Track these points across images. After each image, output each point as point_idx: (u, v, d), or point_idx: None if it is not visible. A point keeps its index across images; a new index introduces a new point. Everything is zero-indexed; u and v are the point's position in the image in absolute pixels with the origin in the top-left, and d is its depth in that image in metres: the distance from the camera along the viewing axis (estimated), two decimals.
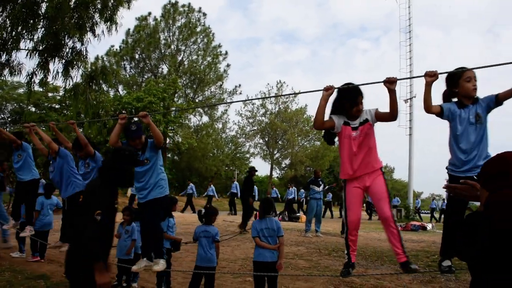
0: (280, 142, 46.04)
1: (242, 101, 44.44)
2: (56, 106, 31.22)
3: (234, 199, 22.30)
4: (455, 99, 4.05)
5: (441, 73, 3.82)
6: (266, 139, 45.95)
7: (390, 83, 3.87)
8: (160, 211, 5.18)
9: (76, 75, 8.98)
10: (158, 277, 5.82)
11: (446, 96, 4.14)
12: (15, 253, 8.41)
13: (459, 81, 3.90)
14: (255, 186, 21.87)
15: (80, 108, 9.43)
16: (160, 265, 4.87)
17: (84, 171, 6.12)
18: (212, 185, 23.08)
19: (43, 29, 8.52)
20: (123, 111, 25.33)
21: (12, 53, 8.69)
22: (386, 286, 6.56)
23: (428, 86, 3.82)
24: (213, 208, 6.00)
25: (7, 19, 8.39)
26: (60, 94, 29.25)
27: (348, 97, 4.10)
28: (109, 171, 3.69)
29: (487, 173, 2.00)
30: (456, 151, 3.92)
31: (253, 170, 14.69)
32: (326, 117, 4.24)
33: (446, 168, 4.12)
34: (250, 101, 44.67)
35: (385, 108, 4.09)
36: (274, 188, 26.44)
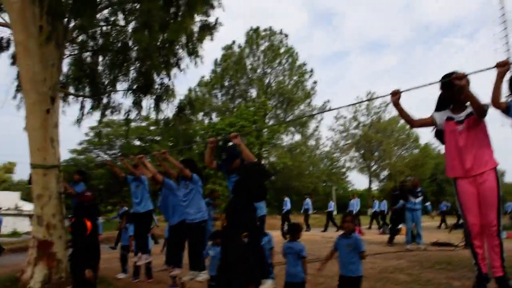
0: (376, 154, 44.92)
1: (323, 112, 44.18)
2: (157, 138, 33.44)
3: (331, 216, 21.95)
4: None
5: None
6: (362, 152, 45.10)
7: (458, 79, 3.63)
8: (260, 231, 5.10)
9: (166, 108, 9.76)
10: None
11: None
12: (119, 274, 9.10)
13: None
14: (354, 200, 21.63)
15: (173, 138, 10.14)
16: (267, 284, 4.75)
17: (184, 192, 6.24)
18: (308, 199, 22.62)
19: (134, 70, 9.44)
20: (218, 137, 26.45)
21: (111, 95, 9.72)
22: None
23: (500, 78, 3.52)
24: (297, 224, 6.14)
25: (106, 66, 9.47)
26: (160, 127, 31.32)
27: (450, 86, 3.81)
28: (250, 189, 3.74)
29: None
30: None
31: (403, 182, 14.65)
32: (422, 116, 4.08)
33: None
34: (338, 113, 44.13)
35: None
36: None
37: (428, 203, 12.76)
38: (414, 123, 4.09)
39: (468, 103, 3.89)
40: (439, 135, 4.16)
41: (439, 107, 4.10)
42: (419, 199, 12.73)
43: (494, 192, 3.75)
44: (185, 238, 6.48)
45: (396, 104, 4.00)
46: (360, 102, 44.32)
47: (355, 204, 21.42)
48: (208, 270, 6.01)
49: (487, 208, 3.75)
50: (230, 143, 5.35)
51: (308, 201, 22.17)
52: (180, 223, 6.54)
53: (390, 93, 3.99)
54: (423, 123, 4.11)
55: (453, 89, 3.80)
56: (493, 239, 3.75)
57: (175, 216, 6.77)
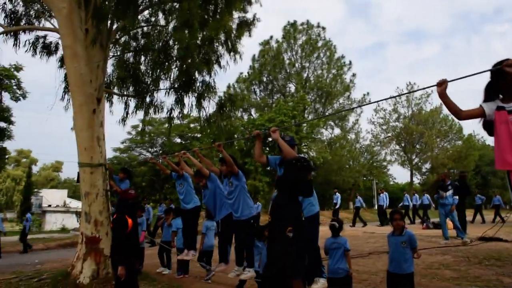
0: (417, 146, 43.88)
1: (365, 104, 43.45)
2: (198, 135, 33.86)
3: (382, 211, 21.67)
4: None
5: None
6: (403, 145, 44.18)
7: (509, 66, 3.47)
8: (315, 228, 5.09)
9: (208, 105, 9.84)
10: None
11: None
12: (161, 269, 9.37)
13: None
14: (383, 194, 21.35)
15: (215, 135, 10.24)
16: (320, 284, 4.79)
17: (229, 190, 6.20)
18: (358, 196, 22.51)
19: (176, 69, 9.57)
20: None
21: (154, 94, 9.91)
22: None
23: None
24: (339, 220, 6.14)
25: (148, 65, 9.66)
26: (200, 124, 31.69)
27: (500, 75, 3.65)
28: (293, 184, 3.73)
29: None
30: None
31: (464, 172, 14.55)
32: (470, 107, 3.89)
33: None
34: (378, 105, 43.33)
35: None
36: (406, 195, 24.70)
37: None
38: (462, 115, 3.92)
39: None
40: (488, 126, 3.94)
41: (488, 97, 3.91)
42: (449, 192, 12.46)
43: None
44: (233, 232, 6.45)
45: (443, 95, 3.85)
46: (405, 94, 43.19)
47: (384, 199, 21.35)
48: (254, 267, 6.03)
49: None
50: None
51: (338, 195, 22.20)
52: (228, 216, 6.47)
53: (436, 84, 3.85)
54: (471, 114, 3.93)
55: (505, 77, 3.63)
56: None
57: (222, 210, 6.71)
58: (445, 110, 42.51)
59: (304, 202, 4.84)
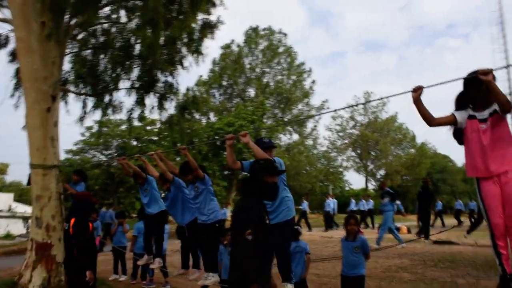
0: (373, 153, 45.05)
1: (328, 112, 44.14)
2: (154, 138, 33.23)
3: (329, 216, 21.96)
4: None
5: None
6: (359, 151, 45.17)
7: (484, 74, 3.53)
8: (290, 234, 5.02)
9: (170, 107, 9.56)
10: None
11: None
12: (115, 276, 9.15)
13: None
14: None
15: (175, 137, 9.98)
16: None
17: (194, 195, 6.08)
18: (305, 200, 22.72)
19: (138, 68, 9.24)
20: (215, 137, 26.36)
21: (113, 93, 9.50)
22: None
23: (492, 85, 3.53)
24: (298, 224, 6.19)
25: (108, 64, 9.26)
26: (157, 126, 31.15)
27: (475, 83, 3.70)
28: (254, 187, 3.59)
29: None
30: None
31: (427, 179, 14.83)
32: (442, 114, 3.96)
33: None
34: (336, 113, 44.13)
35: None
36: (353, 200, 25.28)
37: (398, 202, 13.13)
38: (433, 122, 3.95)
39: (491, 101, 3.78)
40: (458, 134, 4.04)
41: (459, 106, 3.98)
42: (386, 200, 12.83)
43: None
44: (198, 238, 6.28)
45: (417, 101, 3.90)
46: (369, 102, 44.28)
47: (331, 204, 21.74)
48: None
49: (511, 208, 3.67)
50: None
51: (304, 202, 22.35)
52: (193, 222, 6.33)
53: (412, 89, 3.88)
54: (443, 121, 3.99)
55: (478, 86, 3.70)
56: None
57: (186, 215, 6.53)
58: (400, 119, 44.13)
59: (281, 206, 4.77)
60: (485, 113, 3.79)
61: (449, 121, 3.95)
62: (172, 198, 6.62)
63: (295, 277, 5.23)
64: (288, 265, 4.85)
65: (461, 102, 3.98)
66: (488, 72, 3.54)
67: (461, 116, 3.90)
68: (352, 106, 41.86)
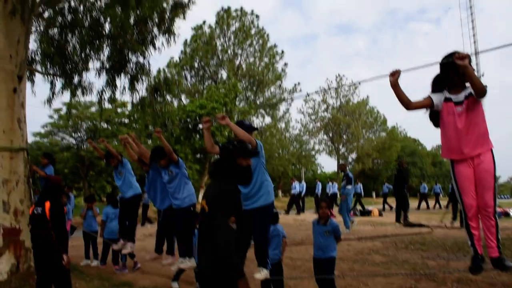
0: (344, 137, 45.49)
1: (304, 96, 44.18)
2: (126, 121, 32.64)
3: (294, 199, 22.28)
4: None
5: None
6: (330, 135, 45.54)
7: (460, 59, 3.53)
8: (269, 218, 4.91)
9: (142, 88, 9.34)
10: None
11: None
12: (84, 261, 8.99)
13: None
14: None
15: (147, 120, 9.79)
16: (263, 273, 4.65)
17: (168, 179, 5.97)
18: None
19: (108, 48, 8.96)
20: (188, 119, 26.09)
21: (83, 74, 9.21)
22: (472, 279, 6.20)
23: (469, 70, 3.57)
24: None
25: (76, 43, 8.95)
26: (128, 109, 30.59)
27: (451, 66, 3.71)
28: (228, 170, 3.36)
29: None
30: None
31: (403, 161, 15.00)
32: (419, 98, 3.97)
33: None
34: (309, 97, 44.30)
35: None
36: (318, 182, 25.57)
37: (349, 186, 12.92)
38: (411, 105, 3.96)
39: (467, 84, 3.83)
40: (434, 117, 4.08)
41: (435, 88, 4.01)
42: (343, 183, 12.95)
43: (490, 174, 3.74)
44: (173, 222, 6.18)
45: (395, 85, 3.88)
46: (352, 84, 44.32)
47: (296, 187, 22.10)
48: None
49: (483, 189, 3.74)
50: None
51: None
52: (170, 207, 6.20)
53: (389, 73, 3.86)
54: (421, 105, 4.01)
55: (457, 70, 3.71)
56: (489, 220, 3.74)
57: (165, 200, 6.36)
58: (372, 102, 44.60)
59: (261, 191, 4.66)
60: (460, 96, 3.81)
61: (426, 104, 3.97)
62: (151, 181, 6.46)
63: (271, 261, 5.16)
64: (266, 250, 4.80)
65: (438, 84, 4.00)
66: (465, 56, 3.55)
67: (437, 98, 3.92)
68: (326, 90, 41.98)
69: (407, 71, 3.97)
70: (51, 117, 32.60)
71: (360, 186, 23.55)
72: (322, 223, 5.61)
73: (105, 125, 33.13)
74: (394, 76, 3.84)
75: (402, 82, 3.86)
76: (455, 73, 3.78)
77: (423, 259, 8.10)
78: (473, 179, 3.81)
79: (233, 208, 3.13)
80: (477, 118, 3.75)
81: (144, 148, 6.93)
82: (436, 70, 4.00)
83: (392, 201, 22.03)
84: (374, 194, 45.43)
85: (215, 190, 3.31)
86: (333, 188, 21.63)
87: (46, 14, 9.02)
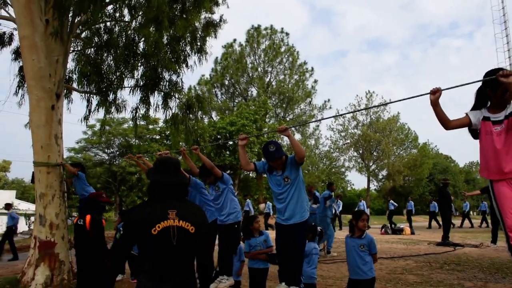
0: (375, 153, 44.88)
1: (335, 116, 43.93)
2: (157, 137, 33.23)
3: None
4: None
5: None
6: (361, 152, 45.03)
7: (505, 77, 3.38)
8: (304, 236, 4.83)
9: (174, 105, 9.52)
10: None
11: None
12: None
13: None
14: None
15: (180, 136, 9.93)
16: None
17: (216, 195, 5.88)
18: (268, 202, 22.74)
19: (142, 66, 9.22)
20: (218, 136, 26.33)
21: (118, 92, 9.48)
22: None
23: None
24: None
25: (112, 62, 9.24)
26: (160, 125, 31.14)
27: (492, 84, 3.62)
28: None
29: None
30: None
31: (447, 180, 14.43)
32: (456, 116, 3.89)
33: None
34: (337, 111, 44.03)
35: None
36: (362, 201, 25.39)
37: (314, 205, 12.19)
38: (450, 124, 3.88)
39: (507, 103, 3.70)
40: (473, 131, 3.97)
41: (477, 103, 3.91)
42: (310, 203, 12.32)
43: None
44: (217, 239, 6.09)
45: (435, 104, 3.79)
46: (381, 105, 43.77)
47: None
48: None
49: None
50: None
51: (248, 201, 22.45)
52: (213, 223, 6.00)
53: (430, 92, 3.80)
54: (460, 124, 3.90)
55: (497, 87, 3.61)
56: None
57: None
58: (402, 119, 43.94)
59: (231, 209, 4.98)
60: (500, 115, 3.70)
61: (465, 123, 3.87)
62: (190, 199, 6.34)
63: (306, 278, 5.08)
64: (299, 268, 4.69)
65: (477, 100, 3.93)
66: (510, 74, 3.41)
67: (475, 117, 3.82)
68: (365, 109, 41.58)
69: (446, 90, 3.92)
70: (85, 133, 33.54)
71: (392, 203, 23.25)
72: (357, 236, 5.15)
73: (137, 141, 33.83)
74: (435, 94, 3.76)
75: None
76: (494, 92, 3.69)
77: (459, 280, 7.81)
78: None
79: None
80: None
81: (192, 163, 6.85)
82: (473, 88, 3.93)
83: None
84: (404, 212, 44.53)
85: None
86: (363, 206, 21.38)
87: (83, 35, 9.38)
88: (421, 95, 3.97)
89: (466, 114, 3.88)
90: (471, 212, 25.42)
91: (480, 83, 3.83)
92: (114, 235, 9.84)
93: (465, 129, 4.02)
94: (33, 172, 7.69)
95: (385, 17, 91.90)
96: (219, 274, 5.74)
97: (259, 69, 35.94)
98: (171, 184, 2.92)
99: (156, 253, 2.77)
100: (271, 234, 5.92)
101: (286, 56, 36.13)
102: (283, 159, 4.67)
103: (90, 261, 6.14)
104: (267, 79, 36.29)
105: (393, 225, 20.89)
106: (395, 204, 23.60)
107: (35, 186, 7.61)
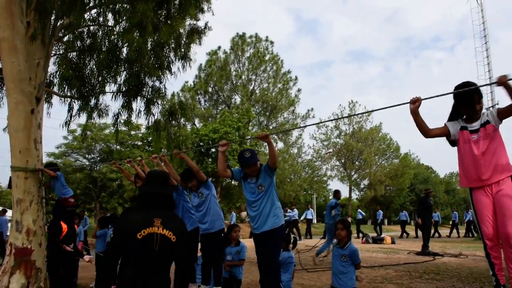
0: (357, 163, 45.19)
1: (313, 124, 44.19)
2: (139, 143, 32.95)
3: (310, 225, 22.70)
4: None
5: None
6: (343, 161, 45.30)
7: (500, 81, 3.47)
8: (278, 243, 4.81)
9: (157, 112, 9.45)
10: None
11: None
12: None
13: None
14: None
15: (162, 143, 9.85)
16: None
17: (198, 202, 5.72)
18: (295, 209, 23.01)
19: (125, 72, 9.12)
20: (201, 143, 26.20)
21: (99, 97, 9.36)
22: None
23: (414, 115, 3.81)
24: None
25: (94, 66, 9.13)
26: (142, 131, 30.91)
27: (464, 99, 3.78)
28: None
29: None
30: None
31: (429, 190, 14.49)
32: (435, 125, 4.02)
33: None
34: (323, 123, 44.31)
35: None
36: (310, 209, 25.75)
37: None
38: (430, 133, 3.97)
39: (482, 112, 3.87)
40: (452, 142, 4.09)
41: (452, 116, 4.04)
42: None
43: (511, 201, 3.65)
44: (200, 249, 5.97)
45: (415, 113, 3.90)
46: (363, 113, 44.17)
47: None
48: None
49: (504, 217, 3.64)
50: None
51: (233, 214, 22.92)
52: (195, 231, 5.92)
53: (410, 101, 3.87)
54: (440, 132, 4.02)
55: (469, 99, 3.76)
56: (511, 250, 3.62)
57: (187, 224, 5.99)
58: (384, 129, 44.47)
59: (214, 215, 5.13)
60: (475, 124, 3.82)
61: (444, 132, 3.99)
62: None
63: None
64: (277, 277, 4.67)
65: (454, 112, 4.00)
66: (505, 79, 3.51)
67: (453, 127, 3.94)
68: (347, 116, 41.91)
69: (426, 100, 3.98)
70: (65, 138, 33.09)
71: (360, 212, 24.07)
72: (341, 246, 5.16)
73: (118, 147, 33.50)
74: (415, 103, 3.85)
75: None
76: (467, 106, 3.82)
77: None
78: (492, 207, 3.75)
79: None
80: (494, 145, 3.73)
81: (173, 170, 6.66)
82: (451, 100, 4.02)
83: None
84: (386, 221, 44.87)
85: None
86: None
87: (65, 38, 9.25)
88: (401, 104, 4.04)
89: (445, 124, 3.97)
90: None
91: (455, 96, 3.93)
92: (95, 243, 9.65)
93: (445, 139, 4.10)
94: (10, 177, 7.51)
95: (370, 29, 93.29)
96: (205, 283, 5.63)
97: (243, 77, 35.95)
98: (158, 194, 3.15)
99: (139, 258, 2.93)
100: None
101: (270, 64, 36.22)
102: (258, 165, 4.73)
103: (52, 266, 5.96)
104: (251, 87, 36.31)
105: (360, 234, 21.33)
106: (363, 213, 24.19)
107: (12, 191, 7.43)
